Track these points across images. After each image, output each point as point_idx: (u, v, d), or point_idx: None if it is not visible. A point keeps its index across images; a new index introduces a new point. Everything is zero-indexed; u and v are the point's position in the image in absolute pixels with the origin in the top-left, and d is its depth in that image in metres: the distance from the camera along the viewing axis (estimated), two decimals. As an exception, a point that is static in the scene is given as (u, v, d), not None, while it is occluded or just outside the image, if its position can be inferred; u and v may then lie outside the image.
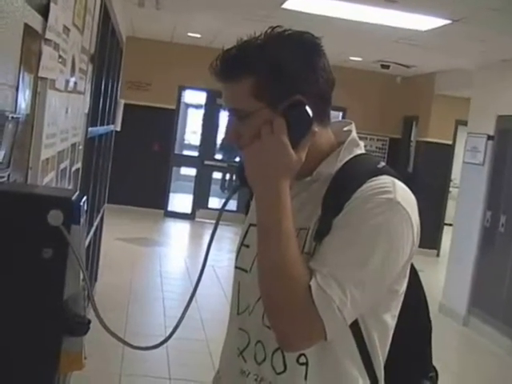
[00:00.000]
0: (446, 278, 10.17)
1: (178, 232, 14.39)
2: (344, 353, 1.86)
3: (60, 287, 2.13)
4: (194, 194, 15.36)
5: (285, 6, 7.87)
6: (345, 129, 2.00)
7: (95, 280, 8.15)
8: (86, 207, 2.35)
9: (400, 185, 1.86)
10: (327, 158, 1.91)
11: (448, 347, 8.32)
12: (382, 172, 1.87)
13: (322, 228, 1.82)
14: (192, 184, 15.75)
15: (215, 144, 15.68)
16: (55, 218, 2.09)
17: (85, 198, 2.30)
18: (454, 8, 6.87)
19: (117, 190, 12.40)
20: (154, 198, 14.62)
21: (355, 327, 1.84)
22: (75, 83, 4.11)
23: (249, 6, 8.46)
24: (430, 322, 2.15)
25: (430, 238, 13.73)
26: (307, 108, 1.80)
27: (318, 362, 1.85)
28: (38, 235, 2.12)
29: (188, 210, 15.18)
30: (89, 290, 2.23)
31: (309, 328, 1.74)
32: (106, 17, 5.69)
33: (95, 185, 6.66)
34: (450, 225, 11.29)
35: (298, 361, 1.85)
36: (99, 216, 7.70)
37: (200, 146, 15.81)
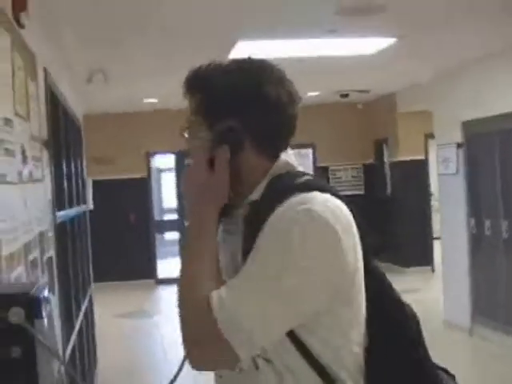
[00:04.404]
0: (444, 291, 10.11)
1: (172, 298, 14.16)
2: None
3: (34, 385, 2.07)
4: (182, 257, 15.20)
5: (231, 55, 7.88)
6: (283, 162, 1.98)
7: (95, 366, 8.02)
8: (50, 297, 2.29)
9: (320, 196, 1.82)
10: (257, 186, 1.92)
11: (459, 360, 8.21)
12: (299, 189, 1.84)
13: (247, 249, 1.81)
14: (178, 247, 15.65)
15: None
16: (16, 315, 2.03)
17: (46, 288, 2.24)
18: (394, 25, 6.91)
19: (103, 268, 12.34)
20: (143, 269, 14.52)
21: (306, 352, 1.81)
22: (30, 172, 4.05)
23: (195, 62, 8.43)
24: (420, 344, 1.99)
25: (421, 255, 13.72)
26: (229, 128, 1.87)
27: None
28: (4, 335, 2.06)
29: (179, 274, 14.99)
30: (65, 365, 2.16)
31: (210, 340, 1.73)
32: (53, 100, 5.65)
33: (75, 268, 6.56)
34: (439, 238, 11.25)
35: None
36: (87, 298, 7.60)
37: (178, 208, 15.74)
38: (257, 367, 1.83)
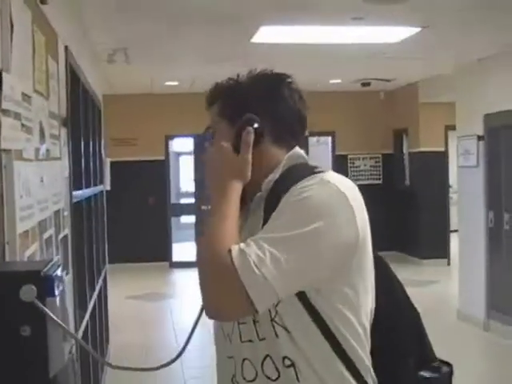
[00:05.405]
0: (460, 284, 10.04)
1: (186, 282, 14.22)
2: (316, 351, 1.93)
3: (44, 365, 2.04)
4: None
5: (253, 40, 7.83)
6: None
7: (107, 342, 8.02)
8: (63, 276, 2.26)
9: (333, 173, 2.01)
10: (271, 174, 2.07)
11: (472, 354, 8.18)
12: (314, 173, 2.00)
13: (265, 223, 1.95)
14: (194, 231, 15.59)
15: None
16: (28, 293, 2.01)
17: (60, 267, 2.21)
18: (420, 15, 6.83)
19: (118, 249, 12.37)
20: (158, 251, 14.52)
21: (320, 322, 1.92)
22: (47, 150, 4.02)
23: (217, 46, 8.43)
24: (417, 317, 2.19)
25: (438, 247, 13.65)
26: (251, 117, 2.04)
27: (301, 362, 1.93)
28: (13, 313, 2.03)
29: (194, 257, 14.96)
30: (76, 339, 2.13)
31: (231, 290, 1.82)
32: (74, 79, 5.61)
33: (90, 248, 6.55)
34: (456, 231, 11.18)
35: (284, 364, 1.93)
36: (101, 278, 7.59)
37: (195, 191, 15.68)
38: (277, 335, 1.94)
